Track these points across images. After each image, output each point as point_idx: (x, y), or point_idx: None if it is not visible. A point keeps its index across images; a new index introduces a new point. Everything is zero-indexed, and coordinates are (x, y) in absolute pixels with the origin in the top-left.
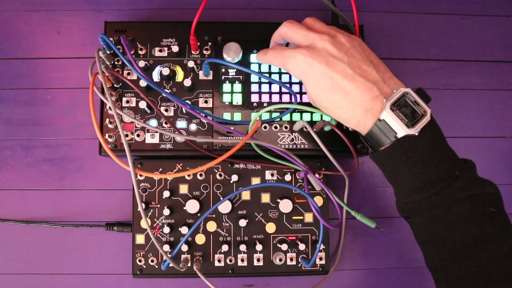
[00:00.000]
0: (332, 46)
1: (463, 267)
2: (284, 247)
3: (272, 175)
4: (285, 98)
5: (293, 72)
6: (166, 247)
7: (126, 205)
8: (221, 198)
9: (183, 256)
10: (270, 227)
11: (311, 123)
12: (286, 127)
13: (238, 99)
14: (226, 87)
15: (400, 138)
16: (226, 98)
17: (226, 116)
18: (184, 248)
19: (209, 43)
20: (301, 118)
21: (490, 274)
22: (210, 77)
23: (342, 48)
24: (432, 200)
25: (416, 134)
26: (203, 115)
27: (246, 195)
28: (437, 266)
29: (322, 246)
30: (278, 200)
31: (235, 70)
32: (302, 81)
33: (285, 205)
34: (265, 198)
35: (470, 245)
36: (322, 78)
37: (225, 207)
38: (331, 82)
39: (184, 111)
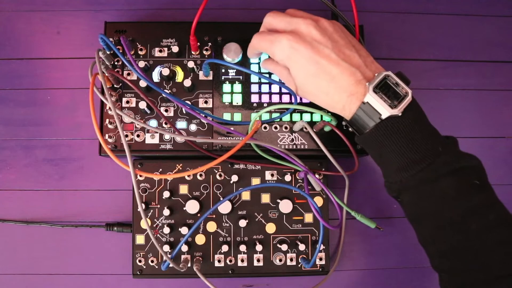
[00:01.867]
0: (316, 31)
1: (453, 240)
2: (284, 247)
3: (272, 175)
4: (285, 98)
5: (278, 56)
6: (166, 248)
7: (126, 205)
8: (221, 199)
9: (183, 257)
10: (270, 228)
11: (311, 123)
12: (286, 128)
13: (238, 100)
14: (226, 87)
15: (384, 119)
16: (226, 99)
17: (226, 116)
18: (184, 248)
19: (209, 43)
20: (301, 118)
21: (480, 245)
22: (210, 78)
23: (326, 33)
24: (418, 177)
25: (400, 114)
26: (203, 115)
27: (246, 195)
28: (428, 241)
29: (322, 247)
30: (278, 201)
31: (235, 70)
32: (279, 73)
33: (285, 206)
34: (265, 198)
35: (458, 218)
36: (307, 63)
37: (225, 207)
38: (317, 67)
39: (184, 112)
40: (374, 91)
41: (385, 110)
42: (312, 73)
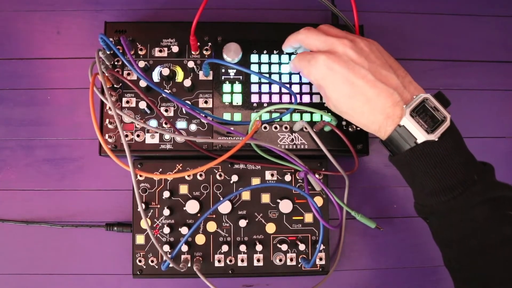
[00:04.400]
0: (352, 51)
1: (480, 268)
2: (284, 247)
3: (272, 175)
4: (285, 98)
5: (314, 76)
6: (166, 248)
7: (126, 205)
8: (221, 199)
9: (183, 257)
10: (270, 228)
11: (311, 123)
12: (286, 128)
13: (238, 100)
14: (226, 87)
15: (419, 143)
16: (226, 99)
17: (226, 116)
18: (184, 248)
19: (209, 43)
20: (301, 118)
21: (508, 276)
22: (210, 78)
23: (362, 53)
24: (450, 204)
25: (436, 139)
26: (203, 115)
27: (246, 195)
28: (454, 266)
29: (322, 246)
30: (278, 201)
31: (235, 70)
32: (318, 87)
33: (285, 206)
34: (265, 198)
35: (487, 247)
36: (343, 84)
37: (225, 207)
38: (352, 87)
39: (184, 112)
40: (411, 115)
41: (421, 135)
42: (347, 94)
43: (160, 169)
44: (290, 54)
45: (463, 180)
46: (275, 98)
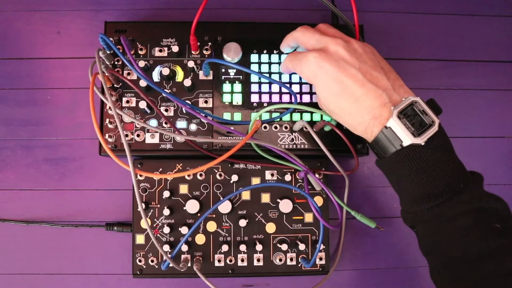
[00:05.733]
0: (344, 51)
1: (464, 281)
2: (284, 247)
3: (272, 175)
4: (285, 98)
5: (305, 74)
6: (166, 247)
7: (126, 205)
8: (221, 198)
9: (183, 256)
10: (270, 227)
11: (311, 123)
12: (286, 127)
13: (238, 99)
14: (226, 87)
15: (405, 146)
16: (226, 98)
17: (226, 116)
18: (184, 248)
19: (209, 43)
20: (301, 118)
21: None
22: (210, 77)
23: (354, 53)
24: (433, 212)
25: (422, 143)
26: (203, 115)
27: (246, 195)
28: (437, 278)
29: (322, 246)
30: (278, 200)
31: (235, 70)
32: (313, 84)
33: (285, 205)
34: (265, 198)
35: (471, 259)
36: (332, 82)
37: (225, 207)
38: (341, 86)
39: (184, 111)
40: (398, 117)
41: (407, 138)
42: (335, 92)
43: (160, 169)
44: None
45: (448, 187)
46: (275, 98)
